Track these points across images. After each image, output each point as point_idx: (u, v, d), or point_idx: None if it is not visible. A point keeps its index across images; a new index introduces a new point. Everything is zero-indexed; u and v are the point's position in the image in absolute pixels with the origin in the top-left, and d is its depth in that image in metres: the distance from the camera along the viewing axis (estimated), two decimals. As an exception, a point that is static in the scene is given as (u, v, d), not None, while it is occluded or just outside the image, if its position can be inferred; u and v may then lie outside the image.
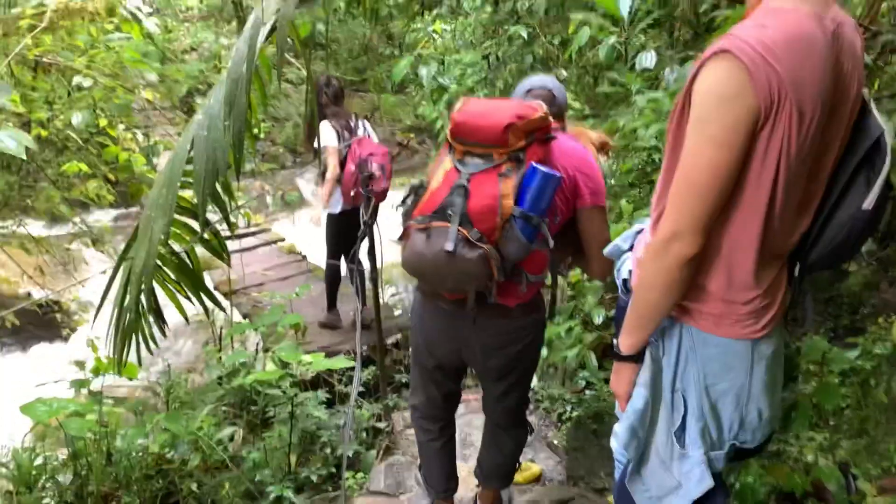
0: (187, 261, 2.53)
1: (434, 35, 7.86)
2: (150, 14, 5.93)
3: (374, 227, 3.16)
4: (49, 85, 3.60)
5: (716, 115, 1.33)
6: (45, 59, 2.75)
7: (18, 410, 2.71)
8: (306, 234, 5.93)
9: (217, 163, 1.67)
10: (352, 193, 4.07)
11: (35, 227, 4.86)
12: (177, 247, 2.49)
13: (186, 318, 2.74)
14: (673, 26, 4.26)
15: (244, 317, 5.09)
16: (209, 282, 6.21)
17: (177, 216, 2.30)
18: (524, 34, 4.41)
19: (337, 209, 4.29)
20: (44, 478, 3.02)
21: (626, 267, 1.70)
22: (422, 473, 2.62)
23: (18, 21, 2.43)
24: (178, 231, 2.52)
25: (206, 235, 2.54)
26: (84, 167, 4.84)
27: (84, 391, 3.25)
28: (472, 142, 1.95)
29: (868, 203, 1.38)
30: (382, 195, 3.92)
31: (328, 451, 3.06)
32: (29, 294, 5.50)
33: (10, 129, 1.75)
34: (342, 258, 4.53)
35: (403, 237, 2.05)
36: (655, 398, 1.66)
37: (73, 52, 2.90)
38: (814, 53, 1.30)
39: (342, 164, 4.19)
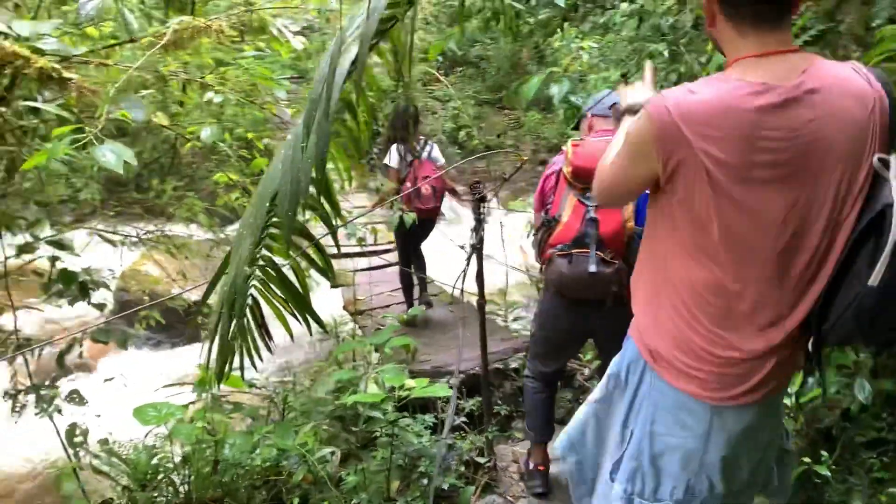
0: (293, 278, 2.53)
1: (581, 52, 7.66)
2: (298, 33, 6.15)
3: (481, 250, 3.04)
4: (194, 100, 3.79)
5: (626, 146, 1.55)
6: (180, 76, 2.86)
7: (132, 414, 2.82)
8: (436, 252, 5.92)
9: (299, 183, 1.61)
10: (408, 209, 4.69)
11: (179, 234, 5.14)
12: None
13: (291, 336, 2.74)
14: (836, 42, 3.84)
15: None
16: (338, 300, 6.38)
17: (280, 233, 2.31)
18: (665, 52, 4.14)
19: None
20: (158, 477, 3.13)
21: None
22: (526, 422, 3.18)
23: (154, 38, 2.54)
24: (279, 247, 2.53)
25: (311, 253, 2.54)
26: (234, 176, 5.10)
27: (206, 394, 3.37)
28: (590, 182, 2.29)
29: (874, 279, 1.31)
30: (431, 212, 4.87)
31: (425, 481, 2.96)
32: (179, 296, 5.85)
33: (114, 144, 1.79)
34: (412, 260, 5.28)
35: (543, 260, 2.69)
36: (605, 421, 1.72)
37: (204, 69, 3.02)
38: (737, 121, 1.35)
39: (402, 182, 4.83)
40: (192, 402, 3.67)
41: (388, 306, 5.79)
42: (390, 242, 7.47)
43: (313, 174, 1.63)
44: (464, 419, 3.43)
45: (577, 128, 3.03)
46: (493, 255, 3.52)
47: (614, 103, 2.60)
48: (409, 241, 5.27)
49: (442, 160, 5.20)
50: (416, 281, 5.43)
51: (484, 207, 2.97)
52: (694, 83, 1.45)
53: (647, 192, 2.09)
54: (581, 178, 2.52)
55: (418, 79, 13.08)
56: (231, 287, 1.86)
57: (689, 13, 4.48)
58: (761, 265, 1.43)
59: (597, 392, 1.74)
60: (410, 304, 5.42)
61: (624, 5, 5.42)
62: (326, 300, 6.50)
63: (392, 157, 4.96)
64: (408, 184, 4.81)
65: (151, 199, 5.27)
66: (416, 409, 3.37)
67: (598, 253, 2.50)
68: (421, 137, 5.09)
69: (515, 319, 5.28)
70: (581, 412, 1.80)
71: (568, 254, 2.55)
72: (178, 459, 3.25)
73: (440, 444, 2.51)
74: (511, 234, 5.51)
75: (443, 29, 11.42)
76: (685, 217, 1.46)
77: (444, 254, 7.69)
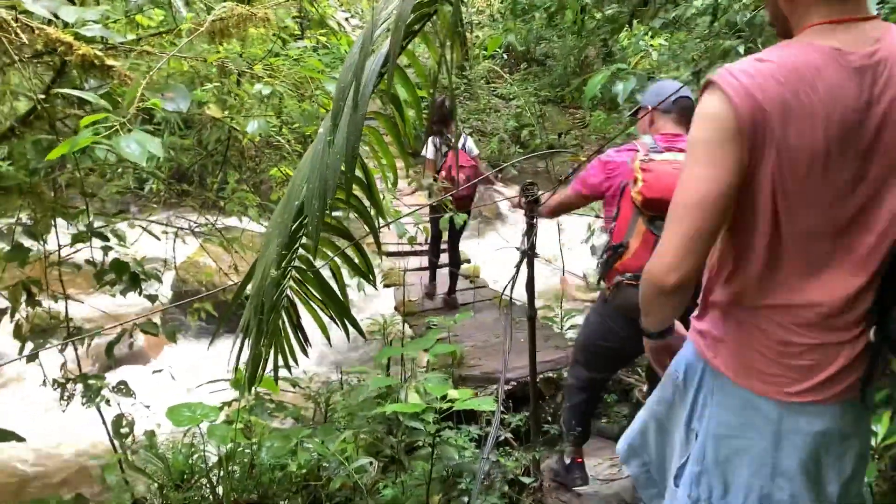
0: (331, 280, 2.41)
1: (650, 49, 7.37)
2: (359, 27, 6.05)
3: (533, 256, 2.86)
4: (245, 92, 3.71)
5: (702, 136, 1.33)
6: (226, 66, 2.78)
7: (165, 414, 2.76)
8: (491, 253, 5.79)
9: (327, 183, 1.47)
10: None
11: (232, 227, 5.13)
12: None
13: (329, 340, 2.62)
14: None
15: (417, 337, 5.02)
16: (390, 300, 6.29)
17: (323, 234, 2.19)
18: (741, 49, 3.86)
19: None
20: (194, 479, 3.07)
21: None
22: (563, 420, 3.15)
23: (195, 26, 2.45)
24: (323, 248, 2.41)
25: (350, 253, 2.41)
26: (289, 171, 5.06)
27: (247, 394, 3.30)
28: (663, 214, 2.13)
29: None
30: (464, 201, 5.14)
31: (466, 499, 2.80)
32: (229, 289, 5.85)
33: (138, 134, 1.69)
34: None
35: (609, 284, 2.71)
36: (665, 426, 1.65)
37: (252, 60, 2.93)
38: (815, 86, 1.25)
39: (438, 173, 5.17)
40: (232, 401, 3.62)
41: (439, 309, 5.68)
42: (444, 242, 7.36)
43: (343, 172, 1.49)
44: (510, 434, 3.25)
45: (632, 119, 2.94)
46: (551, 260, 3.46)
47: (681, 97, 2.68)
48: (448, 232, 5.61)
49: (476, 151, 5.60)
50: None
51: (537, 210, 2.79)
52: (760, 52, 1.34)
53: None
54: (652, 210, 2.51)
55: (481, 76, 12.92)
56: (258, 292, 1.73)
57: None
58: (826, 247, 1.35)
59: (655, 395, 1.68)
60: (434, 278, 6.03)
61: (697, 1, 5.13)
62: (380, 300, 6.44)
63: (428, 149, 5.36)
64: (443, 173, 5.22)
65: (209, 192, 5.28)
66: (462, 418, 3.22)
67: None
68: (456, 131, 5.69)
69: (571, 327, 5.08)
70: (639, 417, 1.74)
71: (637, 283, 2.36)
72: (214, 460, 3.18)
73: (482, 462, 2.35)
74: (570, 237, 5.31)
75: (507, 25, 11.22)
76: (746, 204, 1.36)
77: (498, 260, 7.55)
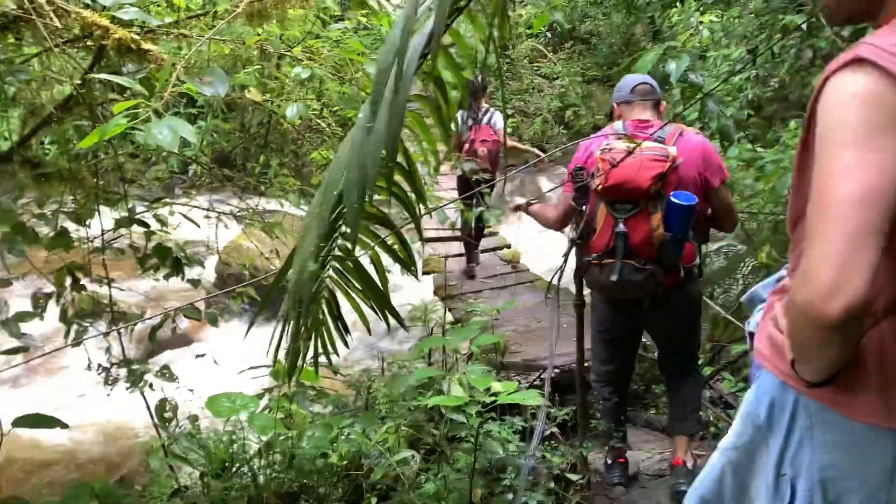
0: (372, 271, 2.34)
1: (700, 26, 7.10)
2: (401, 6, 5.93)
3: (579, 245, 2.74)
4: (285, 76, 3.65)
5: (856, 119, 1.05)
6: (264, 49, 2.71)
7: (205, 404, 2.73)
8: (532, 238, 5.66)
9: (366, 172, 1.38)
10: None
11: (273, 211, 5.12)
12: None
13: (369, 330, 2.56)
14: None
15: (457, 321, 4.94)
16: (429, 285, 6.23)
17: (363, 221, 2.11)
18: (802, 24, 3.65)
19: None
20: (234, 467, 3.05)
21: (754, 319, 1.47)
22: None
23: (232, 7, 2.38)
24: (363, 237, 2.34)
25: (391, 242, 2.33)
26: (329, 155, 5.01)
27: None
28: (622, 199, 2.64)
29: None
30: (486, 173, 5.17)
31: (510, 495, 2.72)
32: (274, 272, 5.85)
33: (171, 119, 1.62)
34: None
35: (584, 266, 2.81)
36: (746, 473, 1.42)
37: (291, 42, 2.86)
38: None
39: (461, 145, 5.49)
40: (273, 388, 3.59)
41: (479, 292, 5.60)
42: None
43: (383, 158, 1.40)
44: (556, 428, 3.15)
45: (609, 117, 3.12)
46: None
47: (638, 83, 2.90)
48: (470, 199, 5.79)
49: (500, 126, 5.77)
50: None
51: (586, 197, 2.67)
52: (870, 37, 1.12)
53: (677, 201, 2.56)
54: (610, 196, 2.68)
55: (525, 55, 12.68)
56: (296, 285, 1.66)
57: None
58: None
59: (730, 437, 1.45)
60: (472, 259, 6.27)
61: (754, -27, 4.90)
62: (418, 285, 6.38)
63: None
64: (466, 145, 5.48)
65: (252, 175, 5.26)
66: (504, 409, 3.14)
67: (629, 262, 2.64)
68: (485, 106, 5.69)
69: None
70: (712, 463, 1.49)
71: (600, 263, 2.72)
72: (255, 448, 3.16)
73: (528, 459, 2.27)
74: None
75: (550, 3, 10.97)
76: None
77: (538, 244, 7.41)
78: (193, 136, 1.60)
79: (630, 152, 2.57)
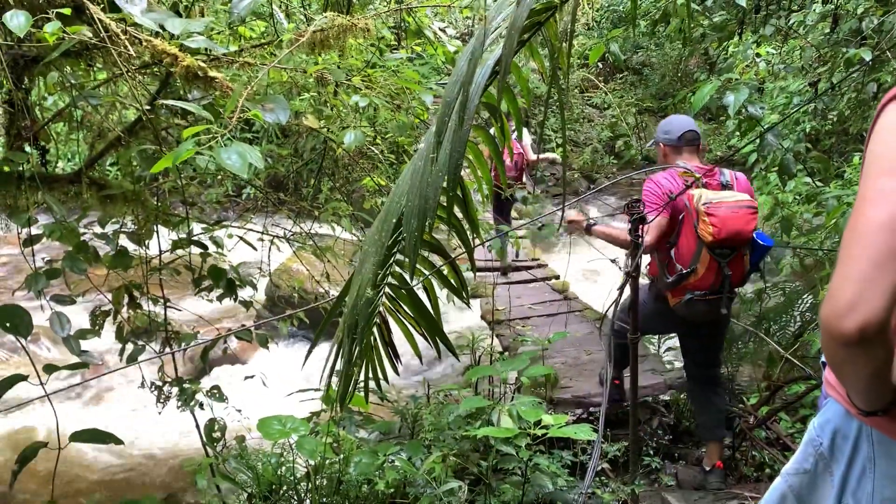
0: (424, 298, 2.34)
1: (757, 58, 7.01)
2: (456, 37, 5.99)
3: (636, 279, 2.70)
4: (341, 103, 3.71)
5: (894, 146, 1.08)
6: (324, 77, 2.76)
7: (256, 426, 2.75)
8: (580, 266, 5.60)
9: (427, 201, 1.38)
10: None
11: (325, 235, 5.17)
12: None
13: (420, 358, 2.56)
14: None
15: (505, 349, 4.89)
16: (475, 309, 6.21)
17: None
18: (867, 58, 3.57)
19: None
20: (283, 489, 3.06)
21: None
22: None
23: (296, 37, 2.43)
24: (419, 266, 2.34)
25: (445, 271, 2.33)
26: (382, 181, 5.06)
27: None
28: (728, 246, 3.09)
29: None
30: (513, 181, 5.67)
31: (558, 532, 2.66)
32: (324, 295, 5.91)
33: (240, 145, 1.66)
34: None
35: (676, 299, 3.25)
36: (808, 499, 1.43)
37: (351, 71, 2.91)
38: None
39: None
40: (321, 411, 3.60)
41: (527, 318, 5.54)
42: (533, 260, 7.23)
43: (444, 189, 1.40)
44: (607, 464, 3.08)
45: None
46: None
47: (686, 131, 3.28)
48: (499, 210, 6.69)
49: (527, 140, 6.43)
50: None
51: (643, 230, 2.63)
52: None
53: (762, 243, 3.13)
54: (722, 246, 3.07)
55: (576, 85, 12.68)
56: (352, 311, 1.67)
57: (897, 13, 3.86)
58: None
59: (793, 463, 1.47)
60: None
61: (817, 6, 4.81)
62: (464, 310, 6.36)
63: None
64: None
65: (304, 199, 5.34)
66: (553, 443, 3.08)
67: (730, 295, 3.19)
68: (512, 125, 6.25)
69: (668, 350, 4.83)
70: (775, 486, 1.52)
71: (705, 299, 3.17)
72: (302, 471, 3.17)
73: (579, 496, 2.22)
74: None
75: (605, 35, 10.97)
76: None
77: (586, 275, 7.33)
78: (261, 163, 1.63)
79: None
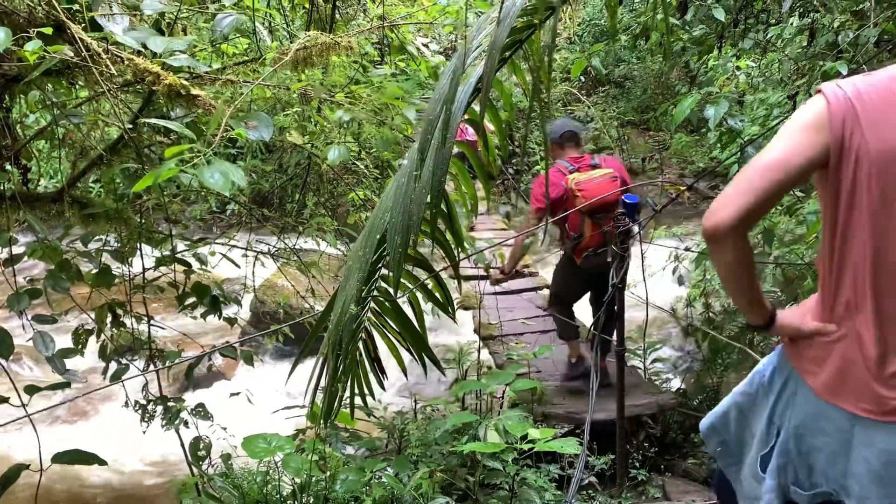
0: (410, 313, 2.34)
1: (737, 71, 7.10)
2: (440, 52, 6.02)
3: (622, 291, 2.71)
4: (325, 119, 3.72)
5: (790, 124, 1.46)
6: (307, 94, 2.76)
7: (241, 446, 2.73)
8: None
9: (411, 218, 1.39)
10: None
11: (310, 250, 5.15)
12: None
13: (405, 373, 2.55)
14: None
15: (499, 367, 4.86)
16: (467, 323, 6.17)
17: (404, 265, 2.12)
18: (844, 71, 3.62)
19: None
20: (268, 508, 3.02)
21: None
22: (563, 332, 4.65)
23: (279, 55, 2.44)
24: (404, 280, 2.34)
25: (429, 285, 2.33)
26: (366, 195, 5.06)
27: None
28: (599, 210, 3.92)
29: None
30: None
31: (546, 546, 2.65)
32: (309, 311, 5.88)
33: (222, 163, 1.66)
34: None
35: (578, 258, 4.16)
36: (745, 415, 1.82)
37: (333, 88, 2.92)
38: None
39: None
40: (307, 428, 3.57)
41: (521, 334, 5.51)
42: (525, 267, 7.20)
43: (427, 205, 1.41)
44: (594, 477, 3.08)
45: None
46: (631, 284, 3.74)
47: (565, 131, 4.32)
48: None
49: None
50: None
51: (630, 242, 2.65)
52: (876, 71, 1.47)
53: (629, 202, 3.67)
54: (593, 211, 3.92)
55: (558, 98, 12.76)
56: (336, 327, 1.67)
57: (873, 28, 3.93)
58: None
59: (742, 386, 1.85)
60: None
61: (794, 19, 4.89)
62: (458, 324, 6.34)
63: None
64: None
65: (289, 215, 5.32)
66: (541, 457, 3.08)
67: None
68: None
69: (654, 361, 4.84)
70: (724, 403, 1.91)
71: (596, 254, 3.93)
72: (289, 490, 3.14)
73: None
74: (651, 264, 5.09)
75: (587, 48, 11.05)
76: (833, 213, 1.46)
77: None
78: (243, 181, 1.63)
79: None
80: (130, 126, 2.68)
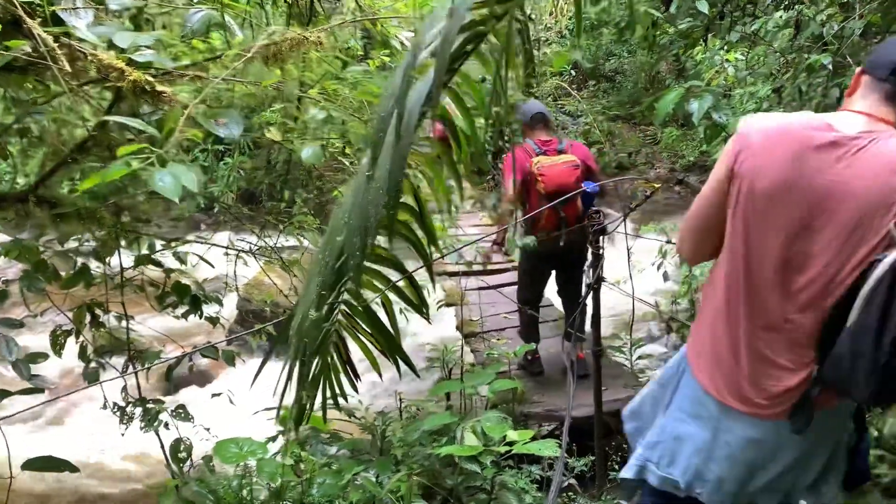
0: (382, 314, 2.29)
1: (726, 64, 7.05)
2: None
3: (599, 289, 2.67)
4: (307, 115, 3.65)
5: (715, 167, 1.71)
6: (280, 90, 2.70)
7: (213, 450, 2.67)
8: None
9: (368, 219, 1.33)
10: None
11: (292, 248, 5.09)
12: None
13: (380, 374, 2.49)
14: None
15: (481, 365, 4.82)
16: (451, 320, 6.11)
17: (372, 265, 2.07)
18: (828, 63, 3.58)
19: None
20: (245, 513, 2.97)
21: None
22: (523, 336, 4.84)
23: (241, 52, 2.38)
24: (373, 281, 2.29)
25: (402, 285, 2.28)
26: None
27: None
28: (559, 194, 3.95)
29: (850, 321, 1.45)
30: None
31: (526, 550, 2.61)
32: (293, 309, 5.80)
33: (177, 166, 1.60)
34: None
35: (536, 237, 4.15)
36: (657, 401, 2.02)
37: (306, 85, 2.86)
38: (787, 151, 1.55)
39: None
40: (284, 432, 3.52)
41: (502, 329, 5.45)
42: (509, 262, 7.14)
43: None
44: (574, 479, 3.04)
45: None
46: (618, 286, 3.61)
47: (535, 113, 4.38)
48: None
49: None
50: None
51: (604, 241, 2.61)
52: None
53: (589, 190, 4.03)
54: (551, 196, 3.98)
55: (548, 93, 12.70)
56: (298, 332, 1.62)
57: (858, 20, 3.89)
58: (770, 277, 1.63)
59: (659, 377, 2.07)
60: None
61: (778, 13, 4.84)
62: (441, 321, 6.28)
63: None
64: None
65: (277, 212, 5.26)
66: (523, 458, 3.03)
67: (570, 230, 4.05)
68: None
69: (640, 357, 4.80)
70: (644, 390, 2.14)
71: (551, 237, 4.09)
72: (265, 494, 3.08)
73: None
74: (640, 260, 5.05)
75: (577, 42, 10.98)
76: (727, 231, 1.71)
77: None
78: (195, 185, 1.57)
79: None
80: (100, 124, 2.61)
